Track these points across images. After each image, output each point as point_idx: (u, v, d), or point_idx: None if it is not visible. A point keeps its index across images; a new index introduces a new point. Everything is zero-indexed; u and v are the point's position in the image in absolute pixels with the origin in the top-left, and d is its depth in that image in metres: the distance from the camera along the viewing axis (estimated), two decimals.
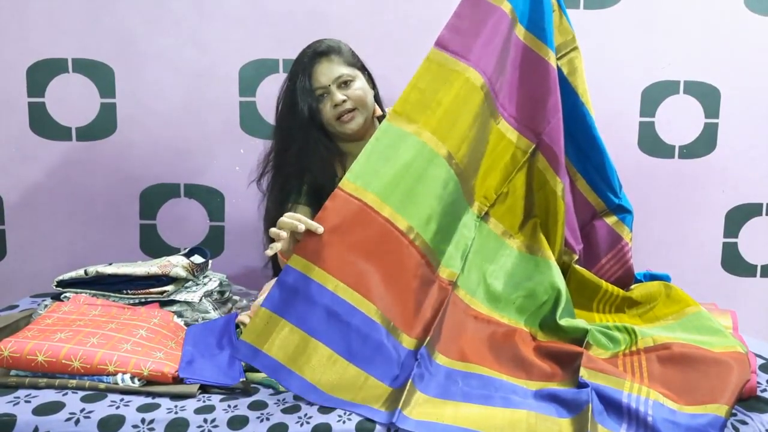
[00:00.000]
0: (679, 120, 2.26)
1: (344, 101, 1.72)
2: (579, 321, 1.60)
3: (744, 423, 1.30)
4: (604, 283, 1.77)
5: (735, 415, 1.32)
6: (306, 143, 1.73)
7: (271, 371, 1.35)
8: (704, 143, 2.27)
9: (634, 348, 1.52)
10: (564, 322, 1.57)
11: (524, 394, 1.38)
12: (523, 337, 1.58)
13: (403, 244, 1.49)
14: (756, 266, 2.33)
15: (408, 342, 1.46)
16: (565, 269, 1.76)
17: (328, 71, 1.72)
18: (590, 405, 1.26)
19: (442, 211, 1.57)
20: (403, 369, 1.40)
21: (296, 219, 1.38)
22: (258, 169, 1.83)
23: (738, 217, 2.31)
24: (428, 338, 1.45)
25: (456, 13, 1.62)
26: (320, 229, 1.38)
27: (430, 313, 1.51)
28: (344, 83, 1.73)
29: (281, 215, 1.71)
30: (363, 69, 1.81)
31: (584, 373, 1.37)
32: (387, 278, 1.46)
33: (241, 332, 1.62)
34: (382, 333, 1.42)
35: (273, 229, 1.40)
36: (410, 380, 1.34)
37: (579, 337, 1.54)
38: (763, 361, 1.53)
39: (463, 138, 1.60)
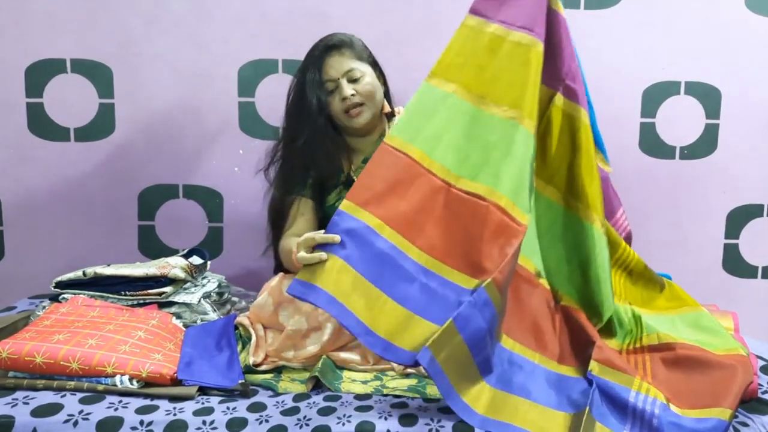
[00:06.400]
0: (680, 121, 2.25)
1: (353, 95, 1.72)
2: (610, 295, 1.57)
3: (745, 425, 1.30)
4: (622, 242, 1.74)
5: (736, 417, 1.32)
6: (313, 135, 1.73)
7: (325, 304, 1.32)
8: (705, 144, 2.27)
9: (638, 344, 1.52)
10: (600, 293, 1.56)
11: (532, 371, 1.39)
12: (547, 299, 1.56)
13: (451, 193, 1.47)
14: (757, 267, 2.33)
15: (473, 284, 1.41)
16: None
17: (339, 64, 1.72)
18: (588, 408, 1.26)
19: (498, 157, 1.51)
20: (453, 307, 1.36)
21: (317, 256, 1.34)
22: (266, 158, 1.83)
23: (739, 218, 2.30)
24: (491, 278, 1.38)
25: None
26: (337, 238, 1.36)
27: (497, 252, 1.44)
28: (354, 78, 1.73)
29: (286, 205, 1.75)
30: (374, 65, 1.81)
31: (594, 367, 1.37)
32: (438, 225, 1.45)
33: (240, 334, 1.62)
34: (435, 279, 1.40)
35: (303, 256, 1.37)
36: (451, 320, 1.30)
37: (600, 310, 1.54)
38: (764, 363, 1.53)
39: (515, 86, 1.56)
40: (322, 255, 1.34)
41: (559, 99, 1.63)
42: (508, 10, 1.58)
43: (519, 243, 1.45)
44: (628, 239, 1.81)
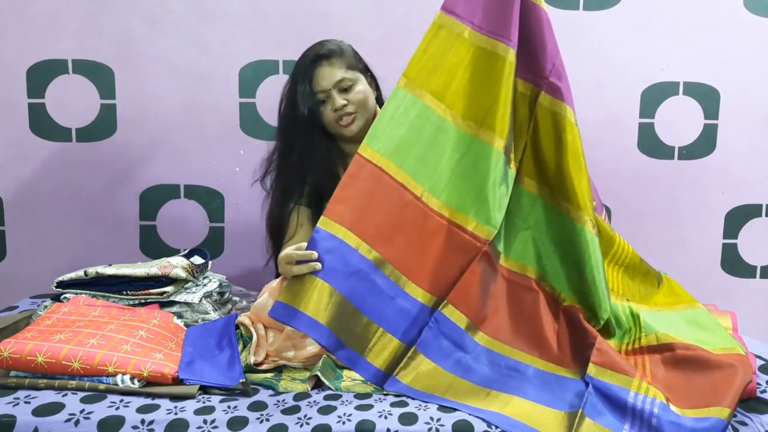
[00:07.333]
0: (679, 121, 2.26)
1: (345, 105, 1.72)
2: (606, 296, 1.58)
3: (744, 424, 1.31)
4: (617, 237, 1.74)
5: (735, 416, 1.32)
6: (307, 144, 1.73)
7: (307, 327, 1.39)
8: (704, 144, 2.27)
9: (637, 345, 1.52)
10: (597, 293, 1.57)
11: (527, 372, 1.43)
12: (547, 303, 1.58)
13: (417, 208, 1.52)
14: (755, 267, 2.33)
15: (424, 297, 1.50)
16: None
17: (329, 75, 1.71)
18: (580, 410, 1.29)
19: (461, 174, 1.57)
20: (415, 323, 1.47)
21: (312, 266, 1.41)
22: (261, 168, 1.84)
23: (737, 218, 2.31)
24: (446, 300, 1.50)
25: None
26: (314, 255, 1.41)
27: (456, 271, 1.53)
28: (345, 87, 1.72)
29: (284, 215, 1.75)
30: (365, 71, 1.80)
31: (592, 370, 1.38)
32: (405, 238, 1.51)
33: (241, 333, 1.63)
34: (397, 292, 1.47)
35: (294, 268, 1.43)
36: (415, 347, 1.43)
37: (598, 312, 1.55)
38: (762, 362, 1.53)
39: (482, 101, 1.59)
40: (317, 265, 1.40)
41: (545, 98, 1.63)
42: (480, 11, 1.58)
43: (482, 261, 1.53)
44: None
